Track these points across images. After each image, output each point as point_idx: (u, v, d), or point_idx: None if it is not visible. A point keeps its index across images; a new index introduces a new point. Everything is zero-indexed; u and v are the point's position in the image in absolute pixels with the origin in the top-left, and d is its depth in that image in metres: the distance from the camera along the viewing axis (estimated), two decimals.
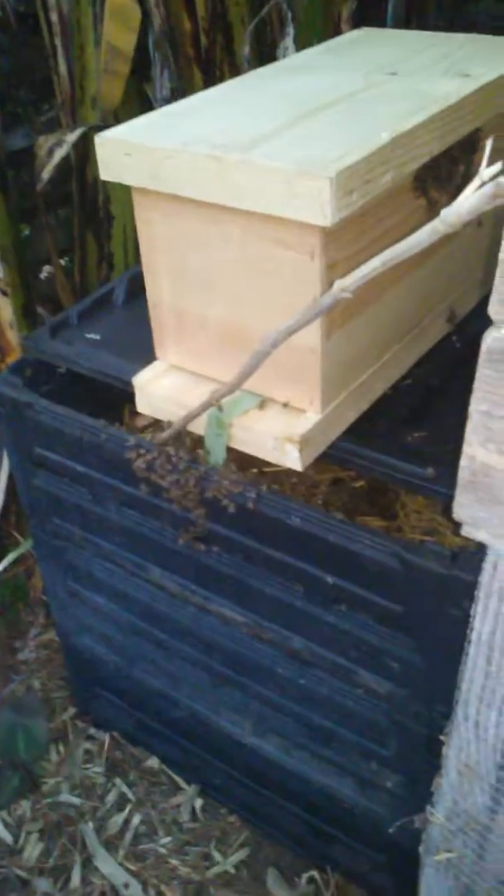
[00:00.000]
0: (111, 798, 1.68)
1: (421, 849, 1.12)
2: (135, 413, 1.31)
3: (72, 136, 2.28)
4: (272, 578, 1.16)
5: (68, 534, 1.43)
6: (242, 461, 1.15)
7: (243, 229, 0.96)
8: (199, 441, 1.15)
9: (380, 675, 1.13)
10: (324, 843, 1.48)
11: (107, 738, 1.77)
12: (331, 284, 0.92)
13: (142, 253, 1.09)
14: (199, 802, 1.67)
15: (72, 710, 1.83)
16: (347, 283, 0.82)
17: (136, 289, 1.40)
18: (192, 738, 1.56)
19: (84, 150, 2.43)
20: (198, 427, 1.11)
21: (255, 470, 1.29)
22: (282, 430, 1.03)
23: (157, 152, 0.94)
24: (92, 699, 1.74)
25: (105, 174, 1.00)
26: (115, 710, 1.71)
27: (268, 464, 1.33)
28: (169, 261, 1.07)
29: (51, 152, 2.29)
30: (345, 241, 0.95)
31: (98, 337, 1.37)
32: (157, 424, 1.20)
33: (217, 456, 1.11)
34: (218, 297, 1.05)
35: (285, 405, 1.07)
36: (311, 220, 0.88)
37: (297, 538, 1.07)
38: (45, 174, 2.29)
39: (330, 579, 1.09)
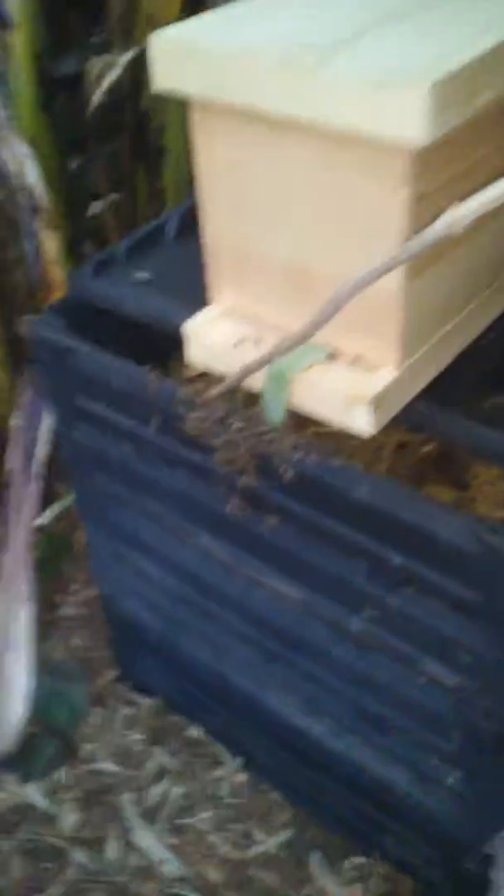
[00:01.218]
0: (150, 767, 1.61)
1: (491, 874, 1.01)
2: (182, 362, 1.19)
3: (124, 58, 2.13)
4: (331, 553, 1.04)
5: (112, 492, 1.33)
6: (298, 420, 1.03)
7: (317, 151, 0.82)
8: (254, 398, 1.03)
9: (448, 665, 1.01)
10: (373, 831, 1.39)
11: (148, 703, 1.69)
12: (416, 221, 0.78)
13: (198, 180, 0.96)
14: (241, 777, 1.58)
15: (112, 673, 1.75)
16: (460, 216, 0.68)
17: (190, 223, 1.26)
18: (237, 711, 1.47)
19: (137, 75, 2.27)
20: (254, 382, 0.99)
21: (311, 429, 1.17)
22: (352, 388, 0.90)
23: (222, 55, 0.80)
24: (134, 663, 1.66)
25: (160, 81, 0.86)
26: (157, 676, 1.62)
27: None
28: (229, 189, 0.93)
29: (101, 76, 2.14)
30: (434, 170, 0.81)
31: (147, 275, 1.25)
32: (206, 376, 1.08)
33: (276, 415, 0.98)
34: (283, 233, 0.92)
35: (356, 360, 0.94)
36: (399, 139, 0.74)
37: (363, 511, 0.95)
38: (95, 99, 2.14)
39: (397, 559, 0.96)
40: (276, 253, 0.94)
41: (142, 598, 1.46)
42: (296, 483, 0.99)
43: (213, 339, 1.01)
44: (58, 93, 2.18)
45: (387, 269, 0.77)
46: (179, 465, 1.16)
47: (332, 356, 0.96)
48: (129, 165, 2.21)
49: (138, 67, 2.35)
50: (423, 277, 0.87)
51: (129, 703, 1.71)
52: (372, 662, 1.10)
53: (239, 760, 1.59)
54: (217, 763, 1.61)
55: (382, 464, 1.29)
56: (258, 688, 1.36)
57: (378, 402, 0.90)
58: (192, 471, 1.15)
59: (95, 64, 2.15)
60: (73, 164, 2.56)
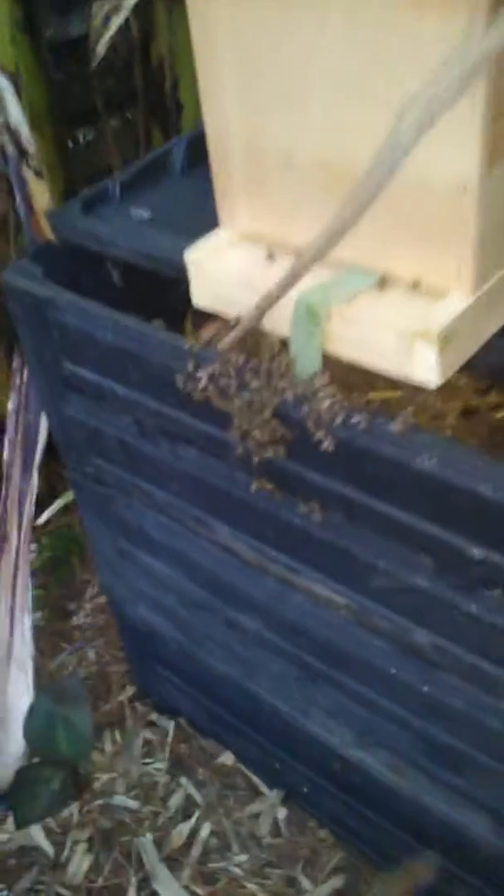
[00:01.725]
0: (175, 802, 1.38)
1: None
2: (201, 323, 0.95)
3: (130, 1, 1.90)
4: (387, 546, 0.80)
5: (113, 478, 1.10)
6: (337, 375, 0.79)
7: None
8: (281, 347, 0.79)
9: None
10: (442, 881, 1.14)
11: (171, 726, 1.47)
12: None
13: (197, 59, 0.73)
14: (282, 812, 1.35)
15: (131, 690, 1.53)
16: None
17: (203, 153, 1.01)
18: (275, 737, 1.24)
19: (147, 23, 2.04)
20: (282, 325, 0.75)
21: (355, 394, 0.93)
22: (411, 322, 0.66)
23: None
24: (154, 679, 1.43)
25: None
26: (181, 694, 1.39)
27: (374, 384, 0.96)
28: (234, 63, 0.70)
29: (107, 20, 1.92)
30: None
31: (147, 214, 1.02)
32: (217, 323, 0.84)
33: (308, 364, 0.74)
34: (310, 119, 0.67)
35: (415, 286, 0.69)
36: None
37: (430, 490, 0.71)
38: (101, 48, 1.91)
39: (477, 552, 0.71)
40: (302, 147, 0.69)
41: (154, 604, 1.23)
42: (338, 455, 0.75)
43: (223, 269, 0.77)
44: (63, 57, 1.96)
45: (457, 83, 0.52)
46: (189, 440, 0.93)
47: (382, 282, 0.71)
48: (144, 125, 1.98)
49: (149, 11, 2.11)
50: (498, 167, 0.62)
51: (150, 724, 1.48)
52: (443, 685, 0.86)
53: (278, 793, 1.35)
54: (254, 795, 1.38)
55: (444, 435, 1.04)
56: (298, 712, 1.12)
57: (446, 338, 0.65)
58: (204, 447, 0.91)
59: (101, 7, 1.92)
60: (82, 135, 2.35)
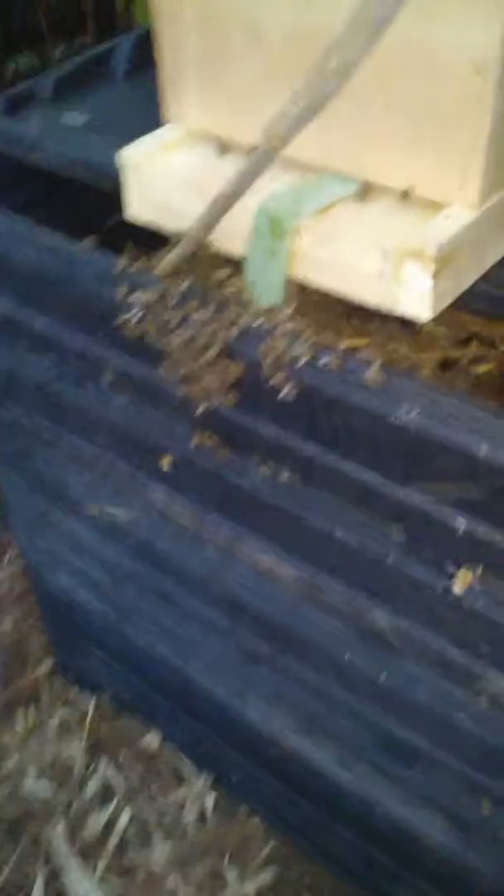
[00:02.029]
0: (92, 787, 1.25)
1: None
2: (146, 252, 0.80)
3: None
4: (349, 514, 0.68)
5: (31, 426, 0.95)
6: (302, 308, 0.66)
7: None
8: (235, 271, 0.66)
9: None
10: (383, 879, 1.05)
11: (92, 703, 1.33)
12: None
13: None
14: (210, 799, 1.23)
15: (49, 664, 1.39)
16: None
17: (150, 56, 0.84)
18: (207, 721, 1.12)
19: None
20: (238, 243, 0.61)
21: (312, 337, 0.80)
22: (400, 238, 0.53)
23: None
24: (75, 652, 1.30)
25: None
26: (104, 669, 1.26)
27: (347, 322, 0.83)
28: None
29: None
30: None
31: (83, 119, 0.86)
32: (158, 243, 0.70)
33: (269, 291, 0.61)
34: None
35: (405, 196, 0.56)
36: None
37: (410, 448, 0.58)
38: None
39: (461, 522, 0.60)
40: (271, 14, 0.55)
41: (77, 572, 1.09)
42: (300, 405, 0.62)
43: (165, 173, 0.64)
44: None
45: None
46: (120, 384, 0.79)
47: (364, 191, 0.58)
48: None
49: None
50: None
51: (68, 702, 1.35)
52: (404, 674, 0.75)
53: (207, 777, 1.24)
54: (180, 780, 1.26)
55: None
56: (235, 696, 1.00)
57: (444, 260, 0.53)
58: (138, 393, 0.78)
59: None
60: (24, 60, 2.14)
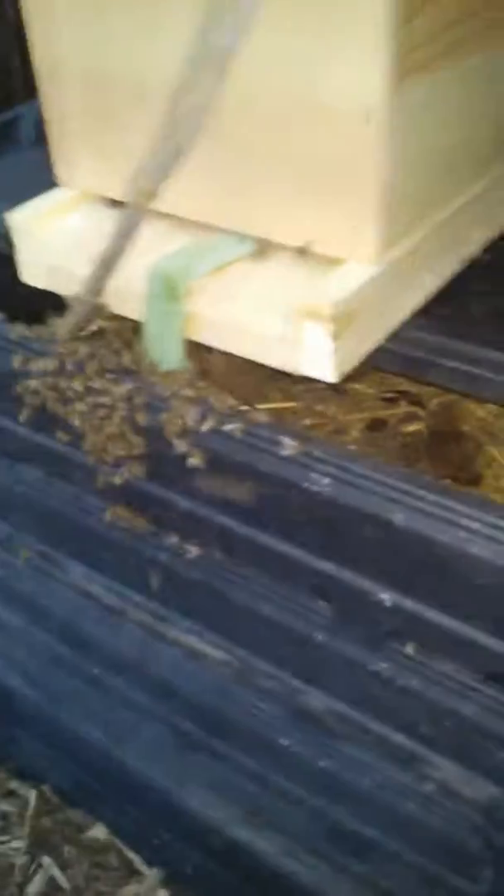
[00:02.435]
0: (35, 888, 1.16)
1: None
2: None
3: None
4: (273, 589, 0.63)
5: None
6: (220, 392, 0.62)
7: None
8: (134, 335, 0.61)
9: (474, 768, 0.61)
10: None
11: (34, 795, 1.24)
12: None
13: None
14: (163, 895, 1.14)
15: None
16: None
17: None
18: (149, 811, 1.04)
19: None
20: (137, 306, 0.57)
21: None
22: (298, 296, 0.50)
23: None
24: (12, 742, 1.21)
25: None
26: (43, 759, 1.18)
27: (273, 385, 0.80)
28: None
29: None
30: None
31: None
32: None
33: (168, 354, 0.57)
34: (170, 38, 0.50)
35: (301, 251, 0.53)
36: None
37: (326, 517, 0.54)
38: None
39: (387, 598, 0.55)
40: (154, 74, 0.52)
41: (4, 658, 1.02)
42: (210, 474, 0.58)
43: (57, 234, 0.60)
44: None
45: None
46: (29, 458, 0.74)
47: (261, 249, 0.55)
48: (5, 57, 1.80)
49: None
50: (417, 83, 0.47)
51: (9, 794, 1.26)
52: (344, 759, 0.69)
53: (158, 872, 1.15)
54: (129, 875, 1.17)
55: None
56: (174, 783, 0.93)
57: (344, 319, 0.49)
58: (49, 467, 0.73)
59: None
60: None
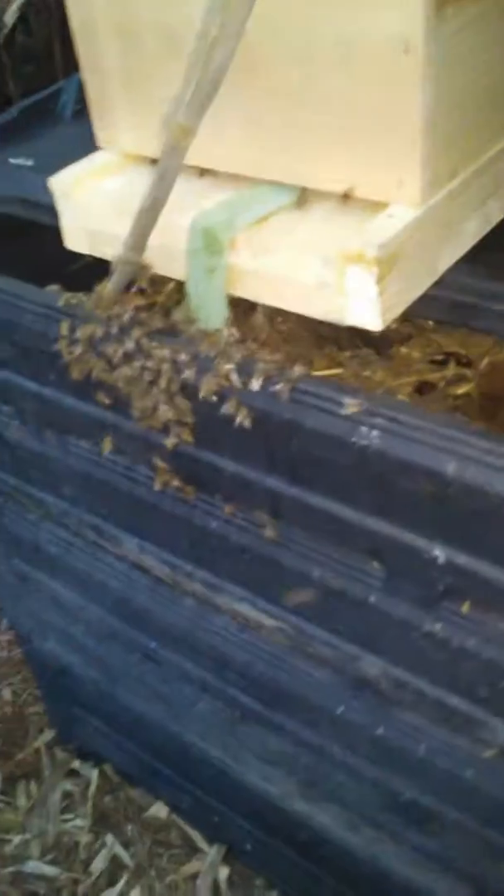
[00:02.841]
0: (99, 865, 1.18)
1: None
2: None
3: None
4: (329, 553, 0.62)
5: None
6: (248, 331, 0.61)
7: None
8: (178, 295, 0.61)
9: None
10: None
11: (95, 775, 1.26)
12: None
13: None
14: (224, 872, 1.15)
15: (50, 734, 1.32)
16: None
17: None
18: (208, 787, 1.04)
19: None
20: (180, 265, 0.57)
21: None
22: (341, 242, 0.48)
23: None
24: (73, 721, 1.23)
25: None
26: (104, 738, 1.19)
27: (319, 352, 0.79)
28: None
29: None
30: None
31: (29, 162, 0.83)
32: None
33: (212, 312, 0.56)
34: None
35: (345, 197, 0.52)
36: None
37: (376, 474, 0.53)
38: (9, 17, 1.74)
39: (440, 554, 0.54)
40: (186, 26, 0.52)
41: (63, 636, 1.03)
42: (257, 435, 0.57)
43: (97, 197, 0.59)
44: None
45: None
46: (78, 430, 0.74)
47: (302, 199, 0.54)
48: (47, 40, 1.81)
49: None
50: (451, 19, 0.45)
51: (71, 773, 1.28)
52: (401, 726, 0.68)
53: (219, 848, 1.16)
54: (191, 853, 1.18)
55: None
56: (230, 757, 0.93)
57: (388, 260, 0.48)
58: (96, 437, 0.73)
59: None
60: None
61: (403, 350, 0.86)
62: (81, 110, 0.94)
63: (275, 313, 0.67)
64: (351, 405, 0.52)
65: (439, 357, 0.83)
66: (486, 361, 0.78)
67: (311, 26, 0.44)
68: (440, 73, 0.45)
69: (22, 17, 1.72)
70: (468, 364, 0.80)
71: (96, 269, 0.68)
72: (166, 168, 0.46)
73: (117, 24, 0.55)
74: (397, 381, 0.86)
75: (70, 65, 2.05)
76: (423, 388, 0.85)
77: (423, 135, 0.47)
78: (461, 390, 0.82)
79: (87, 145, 0.76)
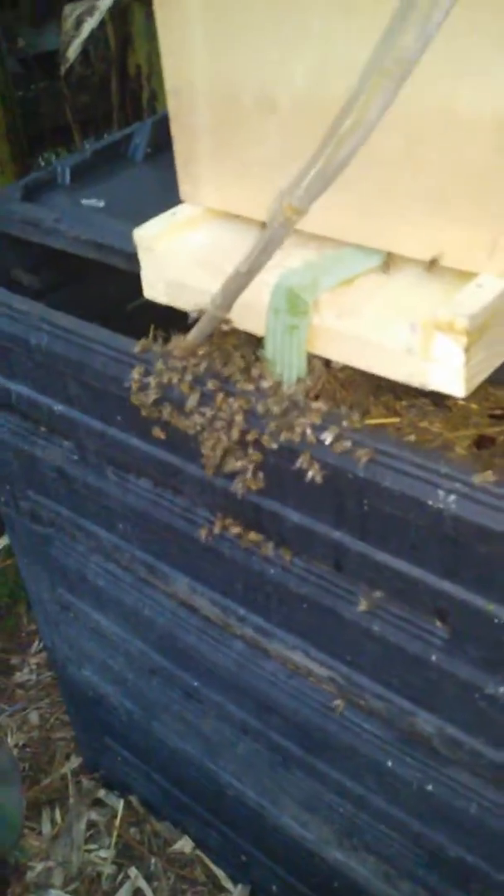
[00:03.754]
0: None
1: None
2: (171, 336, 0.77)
3: (105, 2, 1.77)
4: (387, 608, 0.62)
5: (50, 515, 0.92)
6: (330, 388, 0.62)
7: None
8: (255, 349, 0.62)
9: None
10: None
11: (121, 805, 1.26)
12: None
13: None
14: None
15: (76, 761, 1.33)
16: None
17: (168, 140, 0.83)
18: (240, 827, 1.04)
19: (125, 30, 1.90)
20: (258, 321, 0.58)
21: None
22: (428, 310, 0.49)
23: None
24: (102, 750, 1.23)
25: None
26: (132, 769, 1.19)
27: (376, 400, 0.79)
28: None
29: (79, 24, 1.78)
30: None
31: (101, 204, 0.85)
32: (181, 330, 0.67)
33: (290, 368, 0.57)
34: (300, 42, 0.51)
35: (433, 263, 0.53)
36: None
37: (450, 536, 0.53)
38: (72, 53, 1.78)
39: None
40: (291, 88, 0.53)
41: (101, 666, 1.04)
42: (328, 489, 0.58)
43: (181, 249, 0.61)
44: (35, 72, 1.84)
45: None
46: (140, 469, 0.75)
47: (387, 263, 0.55)
48: (104, 78, 1.86)
49: (126, 17, 1.98)
50: None
51: (97, 802, 1.28)
52: (452, 784, 0.68)
53: (244, 889, 1.15)
54: (215, 891, 1.17)
55: None
56: (268, 801, 0.93)
57: (477, 331, 0.49)
58: (159, 478, 0.74)
59: (74, 9, 1.79)
60: (54, 155, 2.21)
61: (461, 402, 0.86)
62: (152, 154, 0.97)
63: None
64: (422, 466, 0.53)
65: (498, 411, 0.84)
66: None
67: (415, 100, 0.46)
68: None
69: (82, 50, 1.75)
70: None
71: (151, 310, 0.70)
72: (271, 240, 0.47)
73: (213, 84, 0.56)
74: (455, 434, 0.86)
75: (124, 95, 2.08)
76: (481, 442, 0.85)
77: None
78: None
79: (157, 190, 0.78)
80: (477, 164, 0.46)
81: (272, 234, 0.46)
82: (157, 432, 0.67)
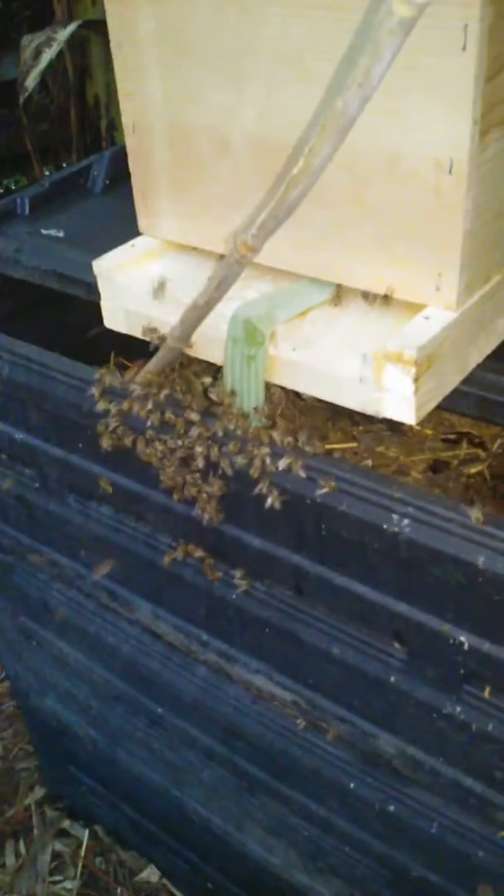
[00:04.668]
0: None
1: None
2: (129, 364, 0.78)
3: (63, 33, 1.79)
4: (347, 631, 0.63)
5: (11, 542, 0.91)
6: (287, 415, 0.64)
7: None
8: (214, 379, 0.63)
9: None
10: None
11: (86, 835, 1.25)
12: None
13: (110, 23, 0.58)
14: None
15: (41, 792, 1.31)
16: None
17: (126, 171, 0.84)
18: (206, 854, 1.04)
19: (83, 61, 1.92)
20: (216, 350, 0.59)
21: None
22: (379, 341, 0.51)
23: None
24: (66, 780, 1.22)
25: None
26: (98, 799, 1.18)
27: (333, 426, 0.81)
28: (156, 31, 0.55)
29: (37, 54, 1.80)
30: None
31: (60, 234, 0.86)
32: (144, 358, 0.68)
33: (249, 397, 0.58)
34: (251, 89, 0.53)
35: (384, 299, 0.54)
36: None
37: (405, 559, 0.54)
38: (30, 82, 1.80)
39: (464, 640, 0.55)
40: (241, 127, 0.55)
41: (65, 695, 1.03)
42: (287, 515, 0.59)
43: (139, 280, 0.62)
44: None
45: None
46: (101, 497, 0.75)
47: (339, 296, 0.56)
48: (64, 111, 1.89)
49: (84, 48, 2.00)
50: (491, 143, 0.48)
51: (62, 833, 1.26)
52: (414, 805, 0.69)
53: None
54: None
55: None
56: (233, 827, 0.93)
57: (425, 362, 0.50)
58: (120, 505, 0.74)
59: (32, 39, 1.80)
60: (13, 182, 2.22)
61: (417, 427, 0.88)
62: (111, 185, 0.98)
63: None
64: (377, 492, 0.54)
65: (452, 436, 0.86)
66: (498, 443, 0.81)
67: (364, 144, 0.47)
68: (479, 191, 0.48)
69: (41, 80, 1.77)
70: (480, 444, 0.83)
71: (110, 337, 0.71)
72: (226, 277, 0.48)
73: (170, 125, 0.58)
74: (410, 458, 0.88)
75: (83, 124, 2.10)
76: (436, 466, 0.87)
77: (462, 245, 0.49)
78: (474, 470, 0.85)
79: (116, 221, 0.79)
80: (418, 205, 0.48)
81: (228, 271, 0.48)
82: (116, 460, 0.68)
